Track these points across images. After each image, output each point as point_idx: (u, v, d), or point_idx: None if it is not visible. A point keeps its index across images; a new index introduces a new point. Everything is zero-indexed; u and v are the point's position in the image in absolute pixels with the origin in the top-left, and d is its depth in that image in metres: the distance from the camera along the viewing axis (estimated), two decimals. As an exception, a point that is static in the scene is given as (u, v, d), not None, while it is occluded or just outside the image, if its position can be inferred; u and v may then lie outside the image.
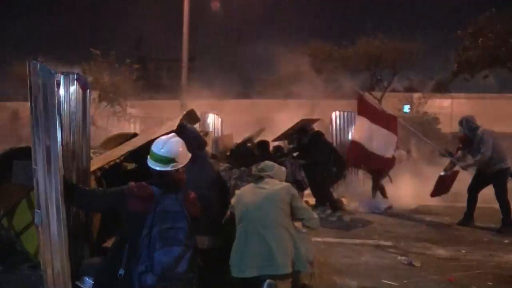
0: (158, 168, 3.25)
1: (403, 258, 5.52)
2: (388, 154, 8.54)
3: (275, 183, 4.05)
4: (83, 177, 3.60)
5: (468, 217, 7.68)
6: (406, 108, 27.23)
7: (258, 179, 4.10)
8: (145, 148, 3.72)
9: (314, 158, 8.17)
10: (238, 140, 8.57)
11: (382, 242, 6.40)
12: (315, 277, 4.17)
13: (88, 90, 3.62)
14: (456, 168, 8.13)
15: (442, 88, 26.55)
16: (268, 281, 3.60)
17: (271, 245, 3.66)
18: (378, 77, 27.05)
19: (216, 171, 4.74)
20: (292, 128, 8.74)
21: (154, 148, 3.30)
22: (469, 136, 7.59)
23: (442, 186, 8.25)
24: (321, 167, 8.16)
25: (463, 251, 5.97)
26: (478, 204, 7.71)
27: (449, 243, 6.36)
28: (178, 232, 3.09)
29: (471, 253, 5.89)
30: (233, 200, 4.02)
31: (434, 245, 6.24)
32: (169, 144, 3.31)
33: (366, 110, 8.62)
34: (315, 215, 4.09)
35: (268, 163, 4.27)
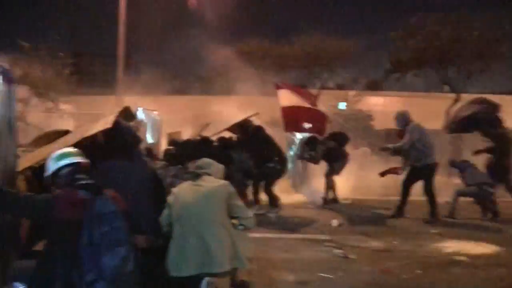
0: (74, 161, 3.28)
1: (339, 251, 5.67)
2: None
3: (213, 180, 4.00)
4: (9, 178, 3.39)
5: (399, 210, 8.03)
6: (342, 105, 28.01)
7: (196, 176, 4.03)
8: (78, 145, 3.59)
9: (255, 153, 8.21)
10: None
11: (318, 236, 6.53)
12: (254, 273, 4.20)
13: (14, 84, 3.42)
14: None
15: (375, 86, 27.63)
16: (206, 278, 3.58)
17: (209, 243, 3.63)
18: (315, 75, 27.60)
19: (152, 169, 4.64)
20: (234, 125, 8.76)
21: (56, 154, 3.32)
22: (403, 130, 7.97)
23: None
24: (263, 163, 8.22)
25: (395, 242, 6.23)
26: (413, 198, 8.05)
27: (383, 235, 6.60)
28: (118, 232, 3.00)
29: (402, 244, 6.15)
30: (170, 199, 3.92)
31: (369, 238, 6.47)
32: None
33: (291, 108, 8.89)
34: (251, 214, 4.09)
35: (205, 160, 4.20)
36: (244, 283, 4.02)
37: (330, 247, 5.92)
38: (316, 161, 9.54)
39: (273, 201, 8.31)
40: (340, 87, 28.65)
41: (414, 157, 7.76)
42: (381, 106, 29.23)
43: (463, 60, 21.42)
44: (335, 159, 9.46)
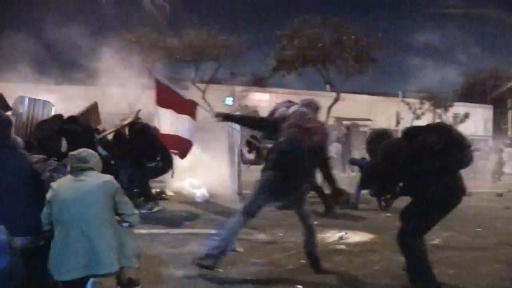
0: None
1: (227, 244, 5.68)
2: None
3: (96, 175, 3.73)
4: None
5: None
6: (229, 101, 28.34)
7: (79, 171, 3.70)
8: None
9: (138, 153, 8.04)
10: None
11: (206, 231, 6.50)
12: (141, 270, 4.04)
13: None
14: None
15: (261, 83, 28.36)
16: (92, 280, 3.35)
17: (95, 243, 3.39)
18: (203, 69, 27.58)
19: (29, 162, 4.22)
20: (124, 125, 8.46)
21: None
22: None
23: None
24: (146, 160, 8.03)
25: (281, 234, 6.43)
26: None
27: (269, 228, 6.77)
28: None
29: (288, 236, 6.37)
30: (49, 195, 3.56)
31: (255, 231, 6.57)
32: None
33: (165, 98, 8.79)
34: (136, 211, 3.88)
35: (89, 152, 3.85)
36: (132, 281, 3.84)
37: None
38: (258, 163, 9.45)
39: (148, 198, 8.15)
40: (227, 82, 28.96)
41: None
42: (267, 102, 30.11)
43: (343, 62, 22.91)
44: None
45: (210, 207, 8.51)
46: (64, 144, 7.28)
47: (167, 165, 8.45)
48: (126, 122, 8.53)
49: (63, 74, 21.62)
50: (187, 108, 8.77)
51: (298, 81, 26.65)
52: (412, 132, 4.23)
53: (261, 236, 6.30)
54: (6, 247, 2.84)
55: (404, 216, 4.40)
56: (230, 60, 26.84)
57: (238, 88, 27.93)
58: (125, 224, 3.74)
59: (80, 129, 7.66)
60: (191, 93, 26.61)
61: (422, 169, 4.00)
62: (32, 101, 8.77)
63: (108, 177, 3.75)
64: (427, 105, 30.73)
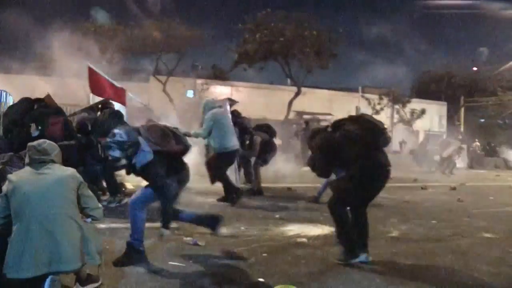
0: None
1: (188, 238, 5.65)
2: None
3: (59, 168, 3.58)
4: None
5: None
6: (190, 94, 28.04)
7: (39, 163, 3.53)
8: None
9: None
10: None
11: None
12: (101, 266, 3.95)
13: None
14: None
15: (222, 76, 28.21)
16: (50, 277, 3.23)
17: (57, 240, 3.26)
18: (163, 61, 27.15)
19: None
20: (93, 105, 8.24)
21: None
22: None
23: None
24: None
25: (242, 228, 6.43)
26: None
27: (230, 222, 6.75)
28: None
29: (249, 229, 6.39)
30: (5, 188, 3.40)
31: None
32: None
33: (98, 86, 8.93)
34: (100, 205, 3.79)
35: (50, 143, 3.69)
36: (91, 277, 3.73)
37: (179, 235, 5.87)
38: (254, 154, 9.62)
39: (115, 189, 7.97)
40: (188, 75, 28.64)
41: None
42: (228, 95, 30.02)
43: (304, 56, 23.11)
44: (269, 151, 9.78)
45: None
46: (33, 128, 6.96)
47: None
48: (96, 102, 8.29)
49: (16, 63, 20.80)
50: (118, 95, 9.01)
51: (260, 74, 26.70)
52: (337, 124, 5.04)
53: (223, 230, 6.26)
54: None
55: (335, 187, 5.13)
56: (192, 53, 26.60)
57: (199, 81, 27.68)
58: (88, 219, 3.62)
59: (51, 111, 7.35)
60: (152, 86, 26.26)
61: (348, 153, 4.80)
62: None
63: (71, 170, 3.63)
64: (385, 100, 31.45)
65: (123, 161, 4.54)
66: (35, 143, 3.62)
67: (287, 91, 26.43)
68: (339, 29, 24.16)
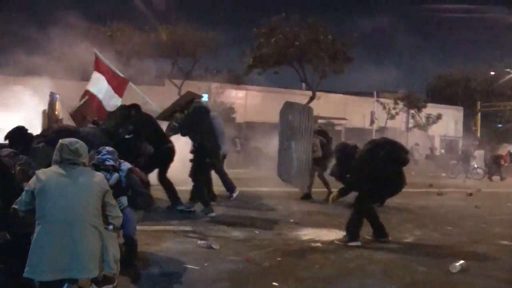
0: None
1: (202, 242, 5.67)
2: (109, 107, 9.16)
3: (88, 173, 3.55)
4: None
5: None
6: (205, 97, 28.15)
7: (70, 164, 3.48)
8: None
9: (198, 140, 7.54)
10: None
11: (182, 228, 6.47)
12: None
13: None
14: None
15: (237, 80, 28.29)
16: (67, 284, 3.24)
17: (78, 247, 3.25)
18: (179, 65, 27.35)
19: None
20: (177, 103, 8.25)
21: None
22: None
23: None
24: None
25: (256, 232, 6.44)
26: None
27: (243, 226, 6.78)
28: None
29: (263, 233, 6.39)
30: (33, 184, 3.36)
31: (230, 228, 6.59)
32: None
33: (101, 68, 9.60)
34: (121, 213, 3.75)
35: (81, 143, 3.61)
36: (107, 278, 3.77)
37: (193, 238, 5.90)
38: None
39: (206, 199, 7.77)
40: (203, 78, 28.77)
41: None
42: (242, 99, 30.10)
43: (319, 61, 23.05)
44: (328, 156, 9.44)
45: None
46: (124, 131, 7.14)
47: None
48: (181, 102, 8.26)
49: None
50: (118, 84, 9.35)
51: (274, 79, 26.76)
52: (375, 144, 6.28)
53: (237, 234, 6.30)
54: None
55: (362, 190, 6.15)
56: (207, 57, 26.71)
57: (214, 85, 27.79)
58: (110, 227, 3.59)
59: (148, 116, 7.63)
60: (167, 89, 26.43)
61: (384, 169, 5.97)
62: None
63: (99, 177, 3.60)
64: (401, 105, 31.21)
65: None
66: (67, 141, 3.56)
67: (302, 96, 26.35)
68: (354, 33, 24.04)
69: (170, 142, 7.63)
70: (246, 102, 29.75)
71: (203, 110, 7.74)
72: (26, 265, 3.22)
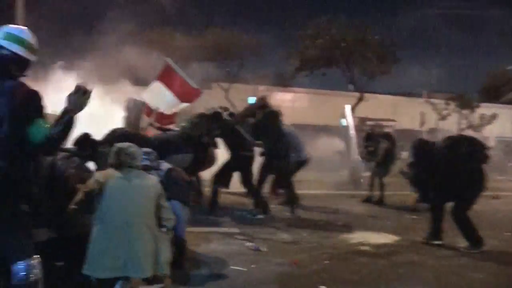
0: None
1: (250, 244, 5.69)
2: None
3: (144, 176, 3.68)
4: None
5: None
6: (252, 100, 28.25)
7: (127, 167, 3.62)
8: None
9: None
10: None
11: (229, 230, 6.52)
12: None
13: None
14: None
15: (284, 82, 28.27)
16: (121, 281, 3.35)
17: (134, 247, 3.38)
18: (227, 69, 27.62)
19: (49, 160, 4.27)
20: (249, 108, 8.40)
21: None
22: None
23: None
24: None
25: (304, 235, 6.39)
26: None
27: (291, 228, 6.74)
28: None
29: (311, 236, 6.33)
30: (92, 185, 3.51)
31: (278, 230, 6.57)
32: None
33: (169, 78, 9.12)
34: (173, 216, 3.85)
35: (136, 147, 3.77)
36: (157, 278, 3.85)
37: (241, 240, 5.93)
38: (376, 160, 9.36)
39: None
40: (249, 81, 28.95)
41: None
42: (289, 102, 30.00)
43: (367, 62, 22.68)
44: (392, 160, 9.38)
45: (233, 206, 8.46)
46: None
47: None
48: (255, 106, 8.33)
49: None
50: (187, 93, 9.17)
51: (321, 81, 26.53)
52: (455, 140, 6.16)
53: (285, 236, 6.27)
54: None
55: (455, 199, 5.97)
56: (254, 60, 26.85)
57: (261, 88, 27.88)
58: (164, 229, 3.69)
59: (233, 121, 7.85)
60: (214, 93, 26.77)
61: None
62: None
63: (154, 180, 3.75)
64: (452, 105, 30.19)
65: None
66: (123, 145, 3.72)
67: (349, 97, 26.02)
68: (403, 32, 23.53)
69: (252, 148, 7.79)
70: (293, 104, 29.69)
71: (275, 115, 7.90)
72: (84, 263, 3.36)
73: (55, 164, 4.37)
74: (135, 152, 3.71)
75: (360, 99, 23.94)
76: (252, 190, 7.71)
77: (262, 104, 8.16)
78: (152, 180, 3.73)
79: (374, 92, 28.98)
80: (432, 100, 31.46)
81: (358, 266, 5.05)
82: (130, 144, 3.78)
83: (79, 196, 3.55)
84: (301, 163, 8.42)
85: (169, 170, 4.70)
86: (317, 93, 29.45)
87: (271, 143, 7.67)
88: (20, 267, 2.72)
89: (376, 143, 9.36)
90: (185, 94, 9.30)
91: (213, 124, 7.35)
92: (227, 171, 7.71)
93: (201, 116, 7.43)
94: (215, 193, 7.68)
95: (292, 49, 24.44)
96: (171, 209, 3.83)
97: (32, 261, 2.77)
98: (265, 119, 7.73)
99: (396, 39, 23.31)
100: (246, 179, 7.73)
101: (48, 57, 10.30)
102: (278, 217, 7.63)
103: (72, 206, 3.56)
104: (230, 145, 7.67)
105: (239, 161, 7.62)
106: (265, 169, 7.79)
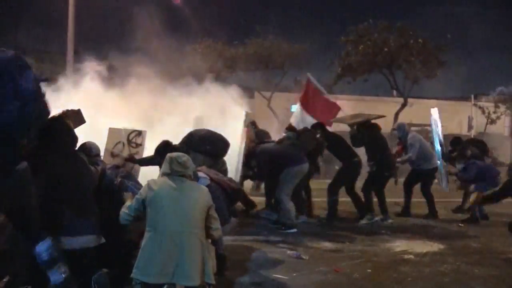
0: None
1: (292, 252, 5.72)
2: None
3: (195, 186, 3.80)
4: None
5: (406, 209, 8.59)
6: (294, 108, 28.24)
7: (179, 176, 3.73)
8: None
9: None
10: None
11: (271, 238, 6.57)
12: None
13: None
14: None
15: (326, 89, 28.05)
16: (167, 285, 3.47)
17: (184, 256, 3.49)
18: (268, 78, 27.75)
19: (96, 169, 4.50)
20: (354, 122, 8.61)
21: None
22: (402, 139, 8.69)
23: None
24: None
25: (347, 243, 6.37)
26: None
27: (334, 236, 6.73)
28: None
29: (354, 244, 6.31)
30: (144, 193, 3.64)
31: (320, 238, 6.57)
32: None
33: (308, 95, 9.53)
34: (220, 226, 3.93)
35: (188, 157, 3.88)
36: (203, 287, 3.95)
37: (283, 248, 5.97)
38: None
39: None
40: (291, 89, 28.97)
41: (411, 162, 8.54)
42: (333, 109, 29.70)
43: (410, 66, 22.22)
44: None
45: (274, 215, 8.50)
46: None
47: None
48: (358, 120, 8.61)
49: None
50: (326, 111, 9.16)
51: (364, 87, 26.18)
52: None
53: (327, 244, 6.28)
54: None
55: None
56: (295, 68, 26.82)
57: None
58: (209, 239, 3.81)
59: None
60: (257, 101, 26.96)
61: None
62: None
63: (205, 190, 3.84)
64: (502, 108, 29.06)
65: None
66: (175, 155, 3.84)
67: (393, 103, 25.58)
68: (447, 35, 22.87)
69: (357, 156, 8.10)
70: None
71: (376, 130, 8.27)
72: (134, 267, 3.52)
73: (104, 172, 4.62)
74: (187, 161, 3.80)
75: (404, 104, 23.46)
76: (368, 196, 8.08)
77: (366, 120, 8.53)
78: (204, 191, 3.82)
79: (419, 97, 28.33)
80: (481, 103, 30.43)
81: (402, 274, 4.99)
82: (183, 153, 3.90)
83: (129, 202, 3.75)
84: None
85: (209, 185, 4.68)
86: (360, 100, 29.06)
87: (377, 156, 8.04)
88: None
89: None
90: (324, 113, 9.42)
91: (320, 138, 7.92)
92: (341, 179, 8.07)
93: (305, 130, 7.96)
94: (334, 202, 7.97)
95: (333, 55, 24.28)
96: (218, 220, 3.89)
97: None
98: (368, 135, 8.14)
99: (441, 41, 22.46)
100: (368, 185, 8.10)
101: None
102: (321, 225, 7.63)
103: (123, 210, 3.74)
104: (340, 155, 8.24)
105: (352, 168, 8.00)
106: (375, 180, 8.09)
